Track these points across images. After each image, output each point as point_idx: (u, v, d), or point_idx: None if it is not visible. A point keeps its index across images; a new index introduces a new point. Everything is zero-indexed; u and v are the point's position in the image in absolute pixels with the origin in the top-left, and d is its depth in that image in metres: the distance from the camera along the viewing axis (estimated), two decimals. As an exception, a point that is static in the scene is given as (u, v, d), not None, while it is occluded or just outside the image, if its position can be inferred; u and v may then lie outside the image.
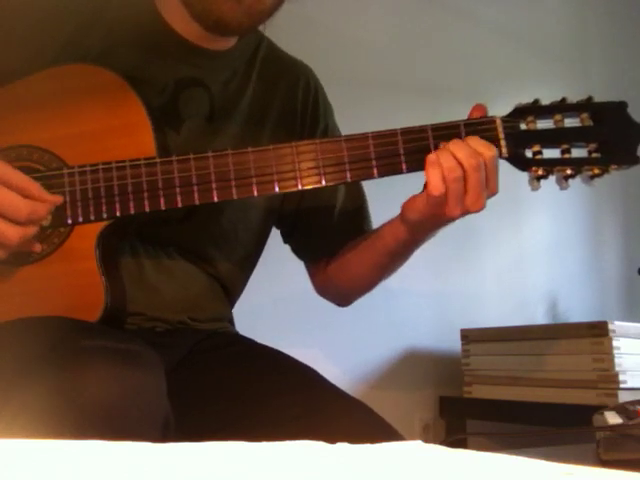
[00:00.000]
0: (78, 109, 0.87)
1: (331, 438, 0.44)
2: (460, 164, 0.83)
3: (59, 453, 0.37)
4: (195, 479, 0.35)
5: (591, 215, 2.42)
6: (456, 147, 0.84)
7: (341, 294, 1.11)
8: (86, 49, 0.91)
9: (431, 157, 0.84)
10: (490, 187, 0.86)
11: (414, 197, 0.89)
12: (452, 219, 0.88)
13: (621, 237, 2.50)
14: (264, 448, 0.41)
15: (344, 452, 0.42)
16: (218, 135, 0.92)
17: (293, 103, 1.05)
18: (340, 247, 1.06)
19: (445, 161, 0.83)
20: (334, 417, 0.80)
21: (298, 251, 1.11)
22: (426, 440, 0.45)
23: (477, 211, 0.85)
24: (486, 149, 0.84)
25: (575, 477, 0.38)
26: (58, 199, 0.83)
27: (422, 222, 0.89)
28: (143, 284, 0.93)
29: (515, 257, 2.19)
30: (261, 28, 1.01)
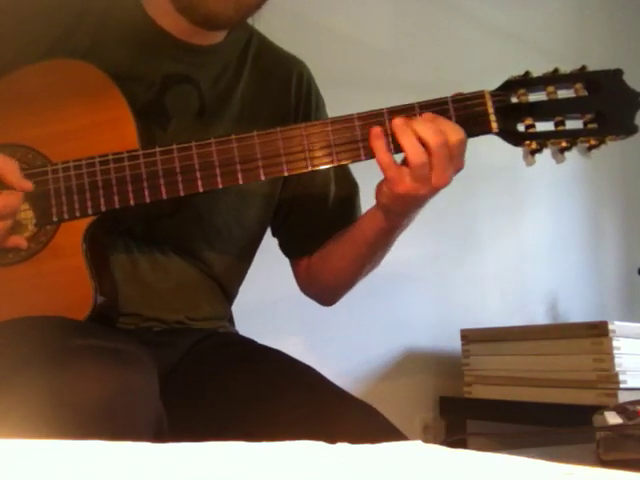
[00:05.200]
0: (61, 105, 0.87)
1: (334, 438, 0.43)
2: (424, 142, 0.81)
3: (59, 453, 0.37)
4: (195, 479, 0.35)
5: (591, 215, 2.42)
6: (420, 126, 0.82)
7: (325, 290, 1.09)
8: (73, 46, 0.91)
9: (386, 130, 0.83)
10: (455, 163, 0.84)
11: (380, 182, 0.88)
12: (421, 197, 0.85)
13: (621, 237, 2.50)
14: (264, 448, 0.41)
15: (344, 452, 0.42)
16: (209, 131, 0.91)
17: (286, 97, 1.04)
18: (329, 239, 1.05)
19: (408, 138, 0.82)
20: (337, 417, 0.80)
21: (286, 246, 1.10)
22: (426, 440, 0.45)
23: (442, 186, 0.83)
24: (453, 133, 0.82)
25: (575, 477, 0.38)
26: (27, 186, 0.83)
27: (392, 204, 0.87)
28: (138, 282, 0.93)
29: (515, 257, 2.19)
30: (250, 21, 1.00)
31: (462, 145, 0.83)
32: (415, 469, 0.39)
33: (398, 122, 0.83)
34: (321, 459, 0.40)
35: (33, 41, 0.90)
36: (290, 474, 0.37)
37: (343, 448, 0.42)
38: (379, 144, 0.83)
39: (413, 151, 0.81)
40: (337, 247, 1.02)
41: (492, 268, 2.12)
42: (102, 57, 0.89)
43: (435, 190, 0.84)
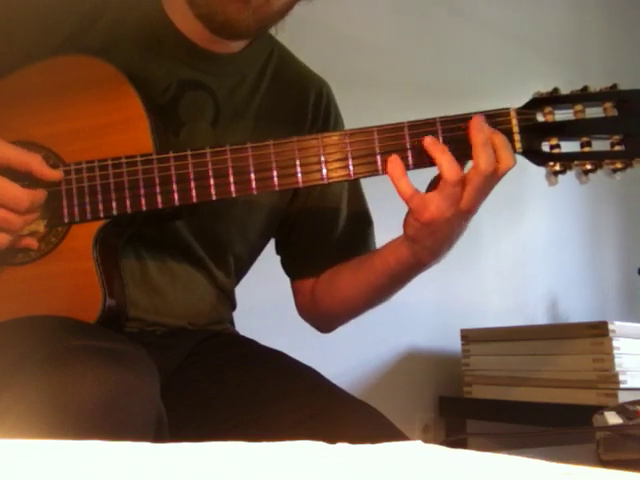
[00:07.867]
0: (75, 103, 0.86)
1: (334, 439, 0.43)
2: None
3: (59, 453, 0.37)
4: (195, 479, 0.35)
5: (591, 215, 2.42)
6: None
7: (327, 317, 1.06)
8: (87, 44, 0.90)
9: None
10: (488, 192, 0.82)
11: (406, 214, 0.85)
12: (447, 223, 0.82)
13: (620, 237, 2.50)
14: (264, 448, 0.41)
15: (344, 452, 0.42)
16: (221, 141, 0.90)
17: (303, 114, 1.02)
18: (333, 266, 1.02)
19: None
20: (337, 418, 0.79)
21: (288, 265, 1.07)
22: (426, 440, 0.45)
23: (471, 212, 0.82)
24: (507, 160, 0.79)
25: (575, 477, 0.38)
26: (58, 175, 0.82)
27: (419, 235, 0.84)
28: (146, 285, 0.92)
29: (515, 257, 2.19)
30: (273, 32, 0.98)
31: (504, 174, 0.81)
32: (415, 469, 0.39)
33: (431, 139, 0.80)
34: (321, 459, 0.40)
35: (45, 39, 0.89)
36: (290, 474, 0.37)
37: (343, 448, 0.42)
38: (398, 174, 0.80)
39: (449, 167, 0.78)
40: (349, 274, 0.99)
41: (492, 268, 2.12)
42: (116, 55, 0.88)
43: (462, 215, 0.81)
